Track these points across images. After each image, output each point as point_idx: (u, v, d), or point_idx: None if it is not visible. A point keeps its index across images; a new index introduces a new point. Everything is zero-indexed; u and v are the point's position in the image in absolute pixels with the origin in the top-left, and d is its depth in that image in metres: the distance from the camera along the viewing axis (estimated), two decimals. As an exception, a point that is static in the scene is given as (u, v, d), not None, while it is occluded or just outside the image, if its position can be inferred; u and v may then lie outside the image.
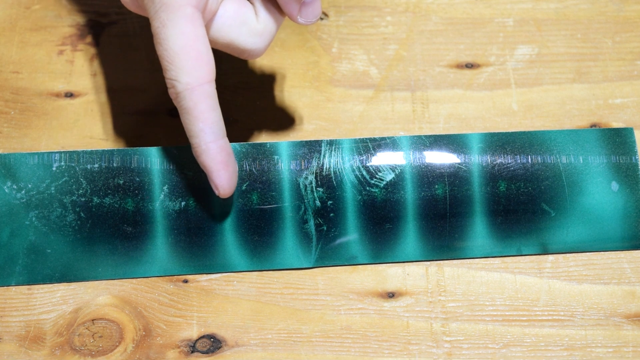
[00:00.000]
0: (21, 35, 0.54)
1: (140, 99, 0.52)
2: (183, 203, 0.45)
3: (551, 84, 0.53)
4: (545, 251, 0.46)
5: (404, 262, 0.47)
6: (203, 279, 0.46)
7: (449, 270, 0.47)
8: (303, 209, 0.46)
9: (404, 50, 0.54)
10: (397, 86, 0.53)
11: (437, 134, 0.49)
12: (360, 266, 0.47)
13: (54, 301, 0.46)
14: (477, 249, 0.46)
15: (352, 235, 0.46)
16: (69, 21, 0.55)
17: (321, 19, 0.55)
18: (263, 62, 0.53)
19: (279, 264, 0.46)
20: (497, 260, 0.47)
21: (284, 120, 0.51)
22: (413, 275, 0.47)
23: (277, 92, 0.52)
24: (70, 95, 0.52)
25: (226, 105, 0.52)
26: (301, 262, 0.46)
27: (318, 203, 0.46)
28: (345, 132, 0.51)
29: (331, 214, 0.46)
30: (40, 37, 0.54)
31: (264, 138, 0.50)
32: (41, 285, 0.46)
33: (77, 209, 0.45)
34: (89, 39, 0.54)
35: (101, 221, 0.45)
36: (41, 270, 0.45)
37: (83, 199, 0.45)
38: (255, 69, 0.53)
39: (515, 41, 0.54)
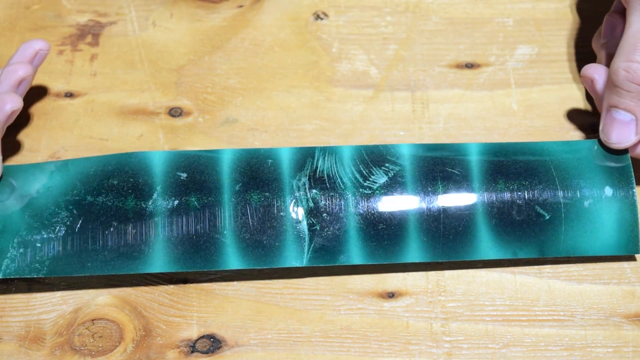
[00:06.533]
0: (21, 35, 0.54)
1: (140, 99, 0.52)
2: (177, 203, 0.46)
3: (551, 84, 0.53)
4: (541, 255, 0.46)
5: (397, 263, 0.46)
6: (203, 279, 0.46)
7: (449, 270, 0.47)
8: (296, 209, 0.46)
9: (404, 50, 0.54)
10: (397, 86, 0.53)
11: (434, 140, 0.49)
12: (360, 266, 0.47)
13: (54, 301, 0.46)
14: (473, 253, 0.46)
15: (345, 235, 0.46)
16: (69, 21, 0.55)
17: (321, 19, 0.55)
18: (263, 62, 0.54)
19: (272, 262, 0.45)
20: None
21: (284, 120, 0.51)
22: (413, 275, 0.47)
23: (277, 92, 0.52)
24: (70, 95, 0.52)
25: (226, 105, 0.52)
26: (293, 261, 0.45)
27: (311, 204, 0.46)
28: (345, 132, 0.51)
29: (324, 214, 0.46)
30: (40, 37, 0.54)
31: (264, 138, 0.51)
32: (41, 285, 0.46)
33: (71, 207, 0.45)
34: (89, 39, 0.54)
35: (94, 219, 0.45)
36: (30, 264, 0.44)
37: (77, 198, 0.45)
38: (255, 69, 0.53)
39: (515, 41, 0.54)
